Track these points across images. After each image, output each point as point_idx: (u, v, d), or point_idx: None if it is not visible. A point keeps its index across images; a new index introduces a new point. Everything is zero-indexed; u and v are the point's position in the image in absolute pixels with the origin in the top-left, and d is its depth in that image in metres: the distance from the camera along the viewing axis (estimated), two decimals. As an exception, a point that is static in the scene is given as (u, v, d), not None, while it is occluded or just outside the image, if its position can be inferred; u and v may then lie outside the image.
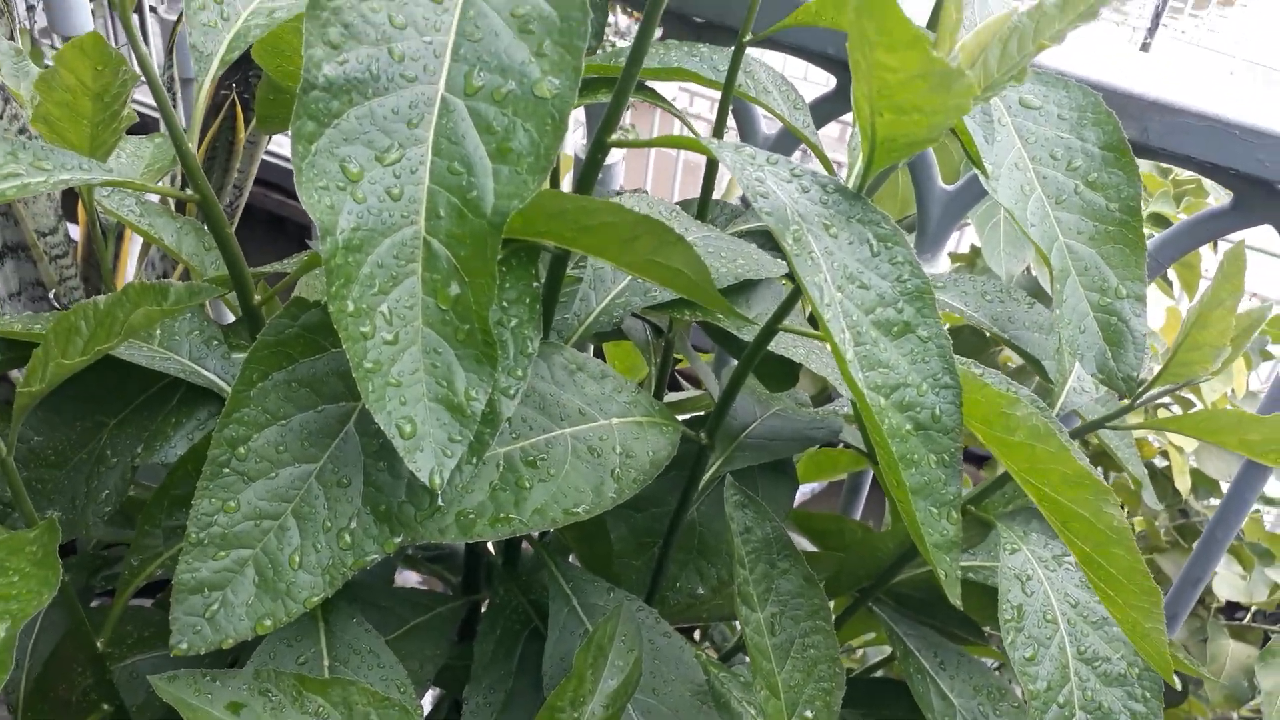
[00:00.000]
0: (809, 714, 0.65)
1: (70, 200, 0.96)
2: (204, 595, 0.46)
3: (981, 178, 0.56)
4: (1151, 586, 0.54)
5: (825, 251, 0.44)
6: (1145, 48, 4.31)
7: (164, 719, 0.65)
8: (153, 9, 1.93)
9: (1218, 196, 1.42)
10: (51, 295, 0.89)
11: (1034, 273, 1.38)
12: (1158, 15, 4.36)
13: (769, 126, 0.90)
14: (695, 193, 0.73)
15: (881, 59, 0.35)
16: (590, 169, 0.51)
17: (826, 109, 0.85)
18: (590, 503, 0.54)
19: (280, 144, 2.00)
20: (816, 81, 1.24)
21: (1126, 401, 0.60)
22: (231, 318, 0.91)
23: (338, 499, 0.46)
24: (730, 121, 0.82)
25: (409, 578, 1.28)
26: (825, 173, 0.47)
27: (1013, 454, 0.50)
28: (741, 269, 0.61)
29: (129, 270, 1.05)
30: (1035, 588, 0.66)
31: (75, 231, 1.00)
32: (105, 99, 0.58)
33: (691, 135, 0.47)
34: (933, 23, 0.45)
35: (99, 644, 0.63)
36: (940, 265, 0.88)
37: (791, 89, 0.75)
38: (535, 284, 0.47)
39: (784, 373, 0.69)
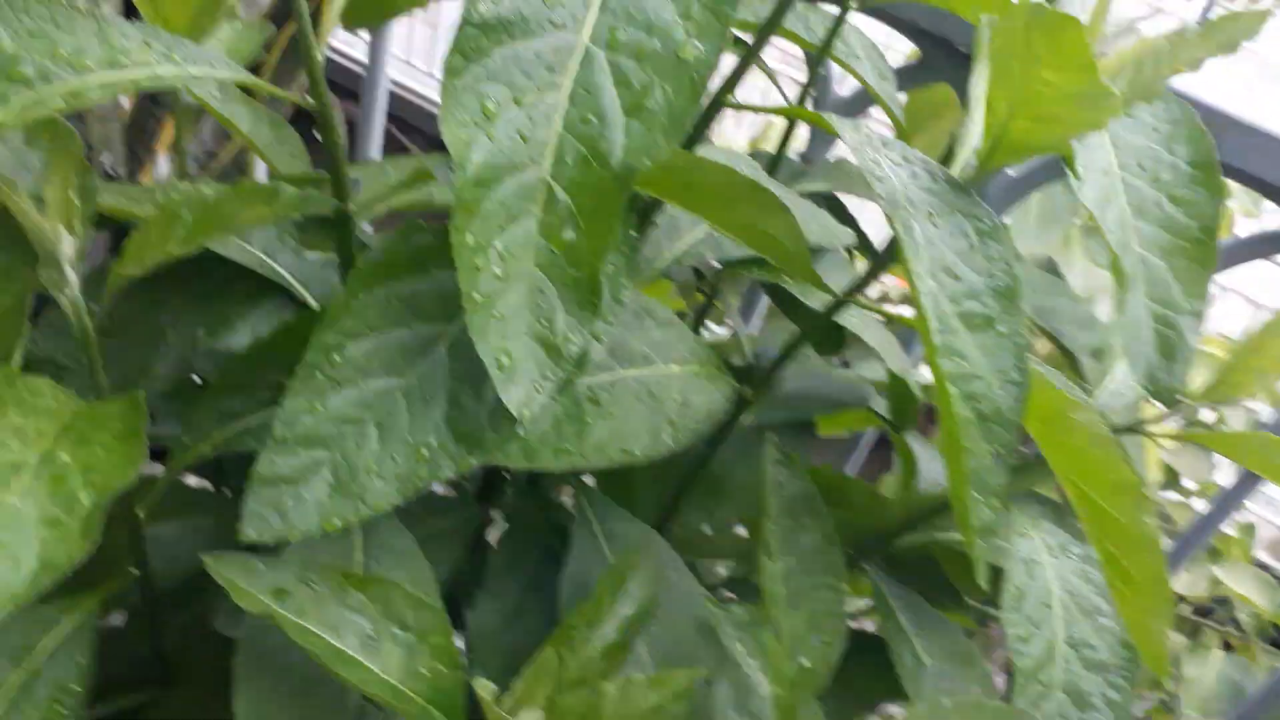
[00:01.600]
0: (806, 662, 0.67)
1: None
2: (279, 489, 0.47)
3: (1071, 178, 0.56)
4: (1169, 593, 0.57)
5: (926, 239, 0.45)
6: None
7: (183, 585, 0.67)
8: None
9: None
10: (103, 160, 0.89)
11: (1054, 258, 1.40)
12: (1206, 12, 4.31)
13: (843, 88, 0.90)
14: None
15: (1043, 74, 0.36)
16: (701, 125, 0.51)
17: (910, 77, 0.85)
18: (646, 446, 0.55)
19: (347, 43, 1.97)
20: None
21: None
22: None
23: (419, 414, 0.47)
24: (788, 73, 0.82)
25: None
26: (932, 159, 0.48)
27: (1065, 455, 0.52)
28: (814, 235, 0.62)
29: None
30: (1039, 573, 0.69)
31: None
32: (212, -20, 0.58)
33: (785, 101, 0.48)
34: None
35: (139, 511, 0.64)
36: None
37: (881, 57, 0.75)
38: (633, 232, 0.47)
39: (834, 339, 0.70)
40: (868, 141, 0.46)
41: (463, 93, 0.40)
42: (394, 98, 2.17)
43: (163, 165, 1.00)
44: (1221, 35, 0.42)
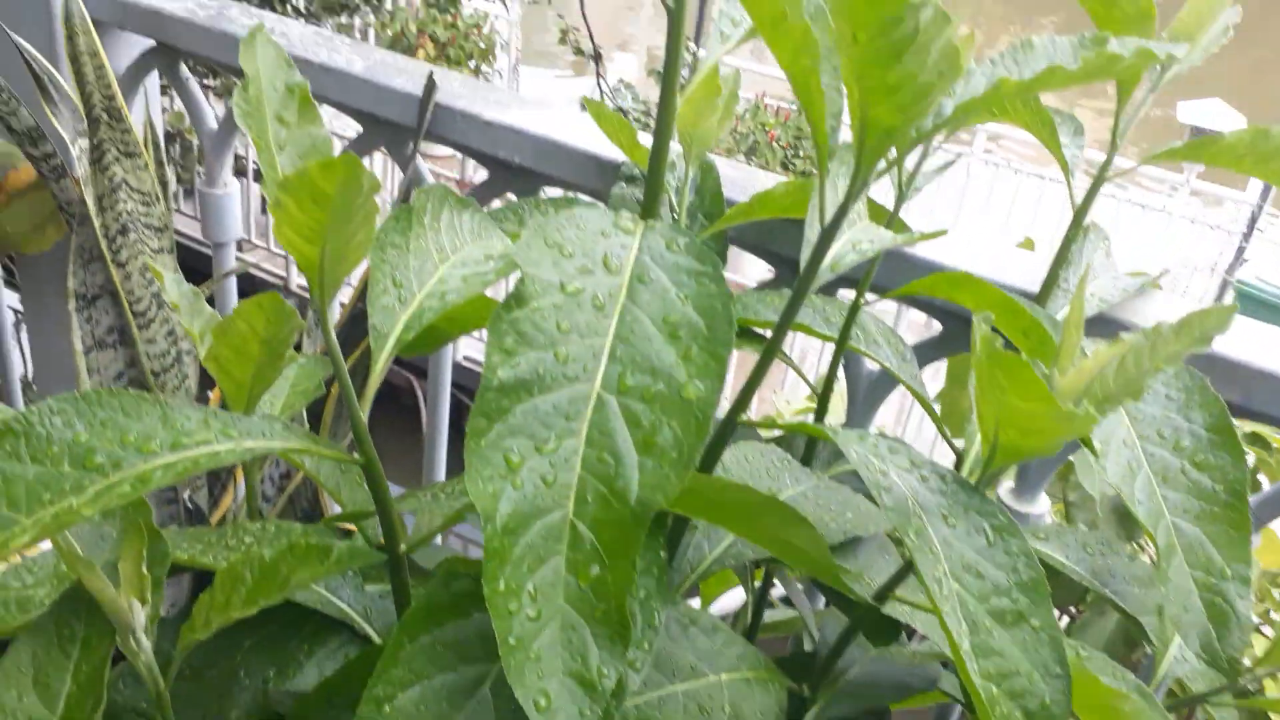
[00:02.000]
0: None
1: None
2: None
3: (1090, 456, 0.58)
4: None
5: (944, 541, 0.47)
6: (1240, 252, 4.32)
7: None
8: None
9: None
10: (184, 495, 0.95)
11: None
12: (1254, 220, 4.38)
13: (871, 364, 0.94)
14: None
15: (1011, 401, 0.38)
16: (718, 444, 0.55)
17: (929, 352, 0.88)
18: (699, 762, 0.55)
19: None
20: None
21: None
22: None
23: (471, 756, 0.48)
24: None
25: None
26: (942, 464, 0.50)
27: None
28: (850, 524, 0.64)
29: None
30: None
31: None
32: (272, 344, 0.63)
33: (811, 423, 0.50)
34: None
35: None
36: (1040, 505, 0.90)
37: (899, 340, 0.79)
38: (662, 552, 0.50)
39: (887, 629, 0.70)
40: (872, 451, 0.48)
41: (487, 450, 0.44)
42: (461, 369, 2.27)
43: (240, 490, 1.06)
44: (1196, 330, 0.45)
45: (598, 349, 0.46)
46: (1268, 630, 1.39)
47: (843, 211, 0.50)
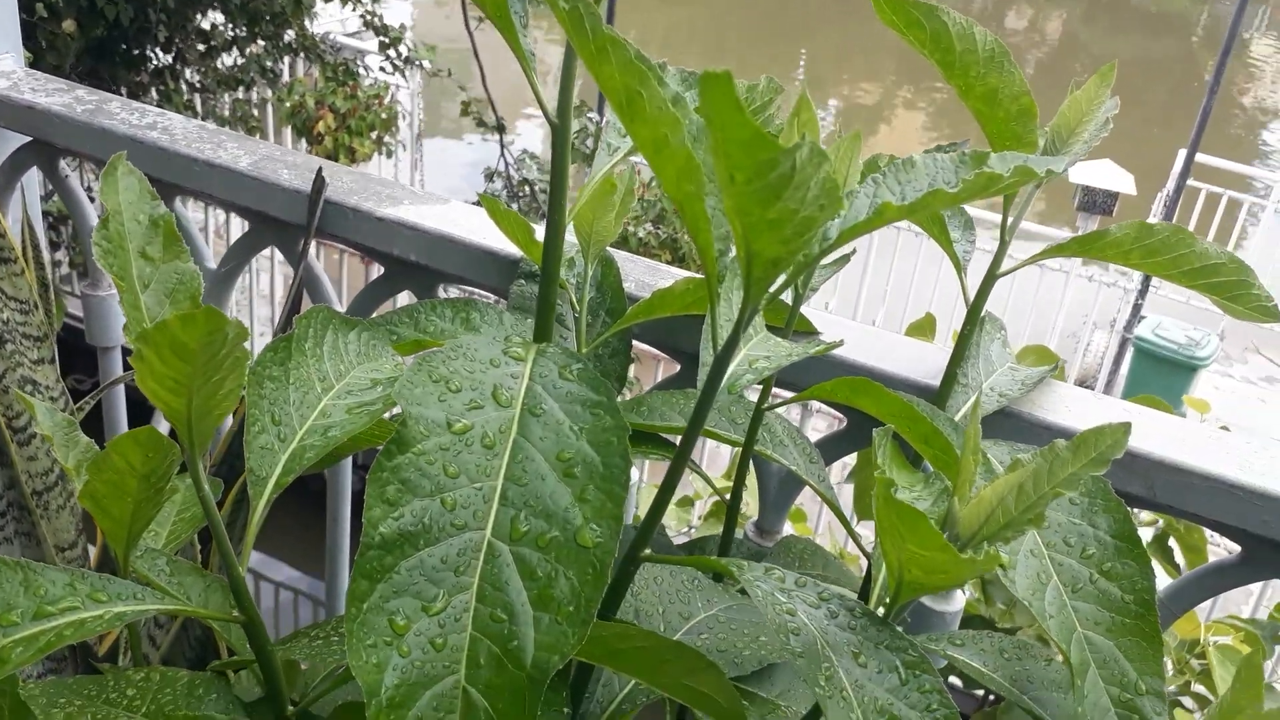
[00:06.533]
0: None
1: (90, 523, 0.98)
2: None
3: (999, 570, 0.57)
4: None
5: (855, 685, 0.45)
6: (1137, 309, 4.45)
7: None
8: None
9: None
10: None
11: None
12: (1148, 278, 4.52)
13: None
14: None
15: (911, 549, 0.37)
16: (622, 581, 0.52)
17: (836, 448, 0.88)
18: None
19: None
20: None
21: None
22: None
23: None
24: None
25: None
26: (851, 594, 0.48)
27: None
28: (765, 650, 0.62)
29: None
30: None
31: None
32: (152, 479, 0.60)
33: (718, 560, 0.49)
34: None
35: None
36: (956, 602, 0.89)
37: (806, 442, 0.77)
38: (566, 709, 0.47)
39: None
40: (779, 586, 0.47)
41: (369, 614, 0.41)
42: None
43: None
44: (1092, 450, 0.44)
45: (488, 492, 0.44)
46: (1187, 702, 1.40)
47: (735, 338, 0.48)
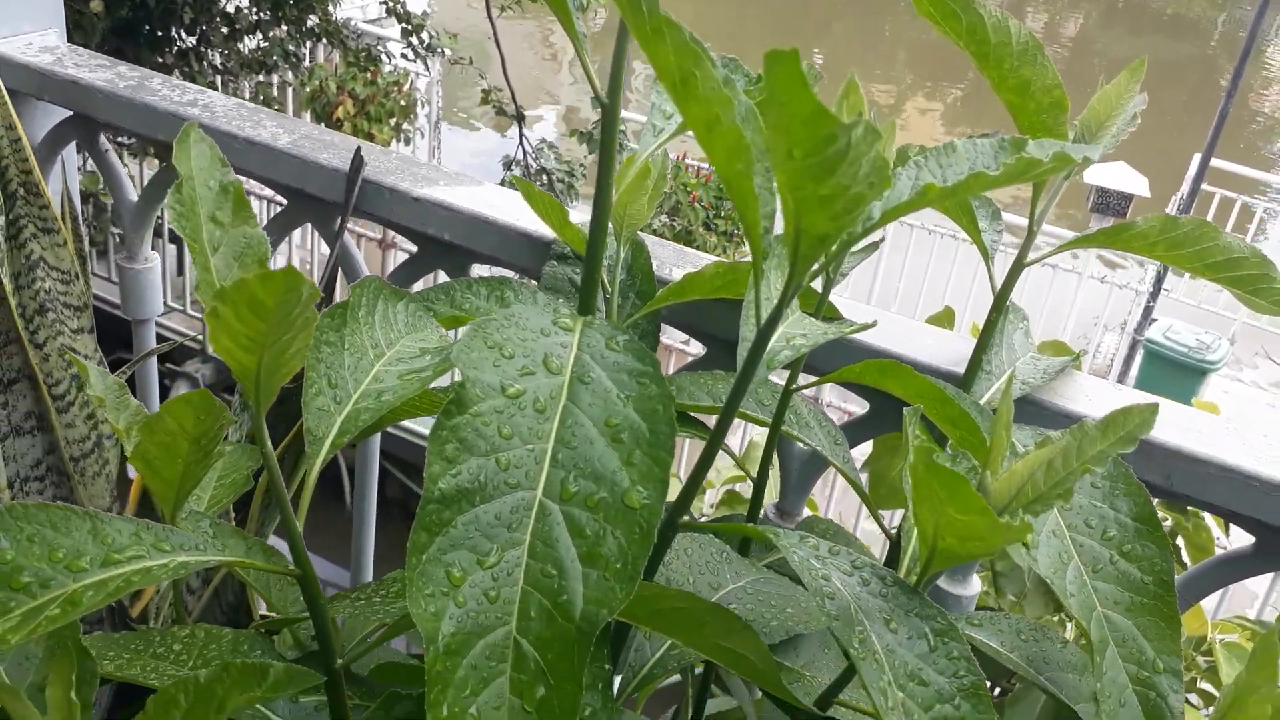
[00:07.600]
0: None
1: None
2: None
3: (1021, 549, 0.59)
4: None
5: (887, 649, 0.47)
6: (1149, 311, 4.45)
7: None
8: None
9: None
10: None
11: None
12: (1160, 280, 4.53)
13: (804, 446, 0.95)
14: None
15: (950, 514, 0.39)
16: (661, 546, 0.54)
17: (857, 433, 0.89)
18: None
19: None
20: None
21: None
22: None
23: None
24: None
25: None
26: (883, 565, 0.50)
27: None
28: (791, 621, 0.64)
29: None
30: None
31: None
32: (202, 442, 0.62)
33: (755, 528, 0.51)
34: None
35: None
36: (973, 586, 0.91)
37: (831, 424, 0.79)
38: (607, 665, 0.49)
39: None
40: (814, 554, 0.48)
41: (428, 564, 0.43)
42: (388, 436, 2.25)
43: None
44: (1121, 430, 0.46)
45: (540, 454, 0.46)
46: (1193, 698, 1.42)
47: (777, 314, 0.50)
